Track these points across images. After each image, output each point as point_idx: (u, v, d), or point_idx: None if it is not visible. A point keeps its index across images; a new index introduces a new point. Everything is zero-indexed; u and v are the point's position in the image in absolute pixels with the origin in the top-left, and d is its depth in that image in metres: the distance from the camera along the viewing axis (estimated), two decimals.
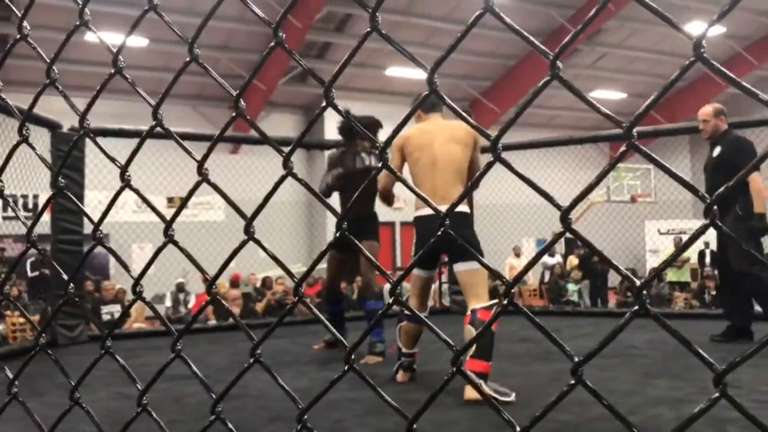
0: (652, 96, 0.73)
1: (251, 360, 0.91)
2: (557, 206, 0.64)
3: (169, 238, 0.90)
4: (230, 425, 0.91)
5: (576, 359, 0.66)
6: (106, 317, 8.75)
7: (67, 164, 5.79)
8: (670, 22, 0.60)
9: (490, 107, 16.67)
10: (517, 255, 14.19)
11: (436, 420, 2.91)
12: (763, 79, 17.10)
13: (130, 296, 5.47)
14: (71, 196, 1.09)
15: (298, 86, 15.84)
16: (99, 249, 1.10)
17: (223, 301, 0.96)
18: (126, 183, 0.95)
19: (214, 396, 0.95)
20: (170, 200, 13.85)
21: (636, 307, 0.60)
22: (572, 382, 0.68)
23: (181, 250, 0.91)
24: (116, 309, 9.22)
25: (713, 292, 11.45)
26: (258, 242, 0.83)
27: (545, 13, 14.50)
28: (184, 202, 0.93)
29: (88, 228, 6.30)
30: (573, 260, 14.03)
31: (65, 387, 1.32)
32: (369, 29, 0.68)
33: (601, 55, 16.65)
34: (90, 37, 12.69)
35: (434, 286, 9.13)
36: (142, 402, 0.98)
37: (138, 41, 12.89)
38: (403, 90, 15.77)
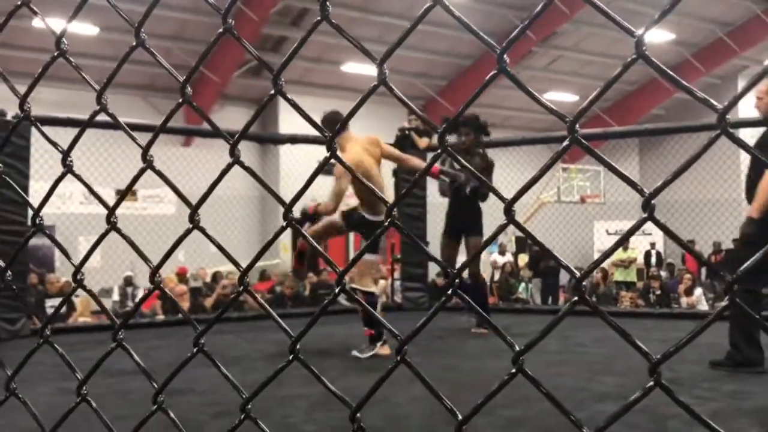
0: (603, 97, 0.74)
1: (194, 350, 0.90)
2: (502, 199, 0.65)
3: (112, 225, 0.89)
4: (172, 415, 0.90)
5: (517, 348, 0.67)
6: (50, 311, 8.54)
7: (10, 153, 5.62)
8: (612, 17, 0.61)
9: (445, 106, 16.78)
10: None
11: (389, 414, 2.92)
12: (712, 86, 17.59)
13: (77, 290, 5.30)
14: (11, 182, 1.06)
15: (253, 79, 15.69)
16: (44, 241, 1.08)
17: (167, 290, 0.95)
18: (68, 169, 0.93)
19: (155, 386, 0.93)
20: (119, 192, 13.58)
21: (575, 299, 0.61)
22: (513, 371, 0.69)
23: (124, 237, 0.90)
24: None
25: (658, 292, 11.75)
26: (203, 231, 0.82)
27: (501, 15, 14.66)
28: (128, 189, 0.92)
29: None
30: (524, 258, 14.23)
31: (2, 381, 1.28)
32: (319, 18, 0.68)
33: (556, 58, 16.91)
34: (38, 23, 12.34)
35: (387, 283, 9.19)
36: (82, 392, 0.96)
37: (88, 29, 12.59)
38: (360, 86, 15.74)
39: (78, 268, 0.97)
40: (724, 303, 0.60)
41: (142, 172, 0.89)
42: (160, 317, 8.73)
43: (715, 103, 0.57)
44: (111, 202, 0.99)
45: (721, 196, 10.93)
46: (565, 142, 0.62)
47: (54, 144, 1.00)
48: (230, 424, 0.99)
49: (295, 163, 11.61)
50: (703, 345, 4.67)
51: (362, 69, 15.60)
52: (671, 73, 0.59)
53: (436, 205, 8.34)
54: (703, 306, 10.83)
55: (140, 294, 11.82)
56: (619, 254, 13.51)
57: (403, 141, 7.91)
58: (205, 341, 0.94)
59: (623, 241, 0.66)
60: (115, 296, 11.53)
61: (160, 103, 15.13)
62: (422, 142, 8.02)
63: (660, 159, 14.37)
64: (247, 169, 0.83)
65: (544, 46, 16.07)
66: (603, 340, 5.11)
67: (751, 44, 16.02)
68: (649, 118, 17.49)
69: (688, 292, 11.41)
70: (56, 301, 8.95)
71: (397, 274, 8.88)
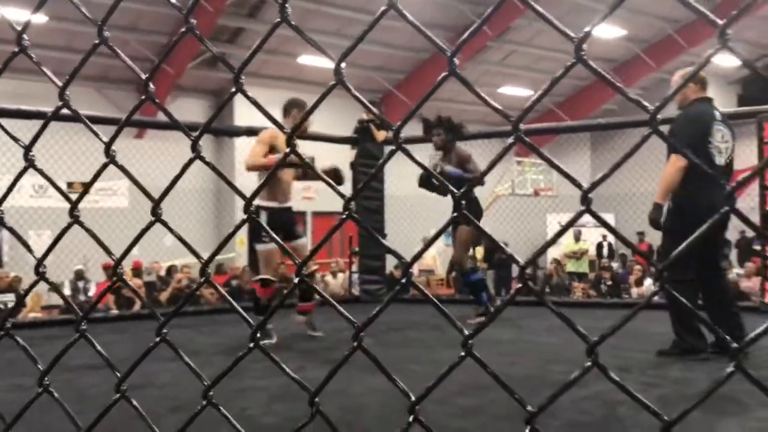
0: (555, 92, 0.78)
1: (157, 339, 0.91)
2: (451, 192, 0.68)
3: (75, 219, 0.89)
4: (135, 402, 0.92)
5: (466, 332, 0.70)
6: None
7: None
8: (551, 22, 0.65)
9: (402, 100, 16.83)
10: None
11: (346, 405, 2.96)
12: (663, 81, 17.99)
13: (25, 285, 5.28)
14: None
15: (208, 71, 15.50)
16: None
17: (129, 282, 0.96)
18: (30, 163, 0.93)
19: (118, 375, 0.95)
20: (70, 185, 13.30)
21: (519, 286, 0.65)
22: (462, 354, 0.72)
23: (87, 230, 0.91)
24: (10, 298, 8.80)
25: (609, 283, 12.03)
26: (165, 224, 0.84)
27: (457, 9, 14.75)
28: (90, 183, 0.93)
29: None
30: (479, 251, 14.40)
31: None
32: (278, 19, 0.70)
33: (510, 53, 17.10)
34: None
35: (345, 276, 9.23)
36: (44, 382, 0.97)
37: (37, 18, 12.27)
38: (315, 79, 15.69)
39: (40, 261, 0.98)
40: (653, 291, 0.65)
41: (105, 166, 0.90)
42: (114, 312, 8.61)
43: (646, 104, 0.62)
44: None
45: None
46: (510, 140, 0.66)
47: (15, 139, 1.00)
48: (188, 417, 1.01)
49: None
50: (651, 334, 4.84)
51: (318, 61, 15.54)
52: (607, 75, 0.63)
53: (394, 198, 8.40)
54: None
55: (92, 288, 11.60)
56: (571, 246, 13.78)
57: (362, 133, 7.94)
58: (165, 331, 0.95)
59: (561, 234, 0.70)
60: (67, 290, 11.30)
61: (114, 94, 14.85)
62: (380, 134, 8.06)
63: (611, 153, 14.67)
64: (208, 164, 0.84)
65: (498, 41, 16.23)
66: (554, 329, 5.23)
67: (698, 41, 16.43)
68: (601, 113, 17.81)
69: (639, 282, 11.71)
70: (5, 297, 8.75)
71: (354, 267, 8.91)
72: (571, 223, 0.67)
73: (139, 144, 13.14)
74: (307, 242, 5.03)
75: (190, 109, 15.45)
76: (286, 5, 0.73)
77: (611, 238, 17.03)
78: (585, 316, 5.67)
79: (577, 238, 13.64)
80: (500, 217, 13.34)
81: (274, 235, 0.97)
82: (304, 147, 4.80)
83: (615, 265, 13.87)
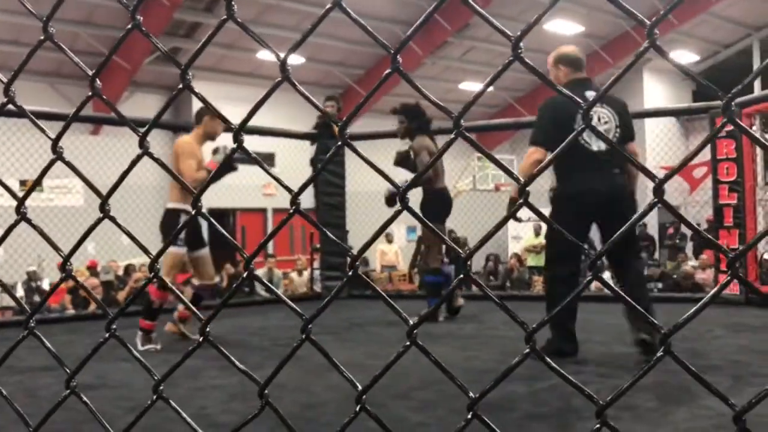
0: (516, 87, 0.80)
1: (107, 335, 0.91)
2: (395, 186, 0.69)
3: (22, 216, 0.88)
4: (84, 398, 0.91)
5: (411, 322, 0.72)
6: None
7: None
8: (490, 22, 0.66)
9: (363, 95, 16.81)
10: (389, 241, 14.51)
11: (305, 402, 2.96)
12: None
13: None
14: None
15: (164, 66, 15.28)
16: None
17: (78, 279, 0.95)
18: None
19: (68, 371, 0.94)
20: (23, 183, 12.99)
21: (461, 276, 0.67)
22: (407, 343, 0.74)
23: (34, 227, 0.90)
24: None
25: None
26: (113, 220, 0.83)
27: (416, 5, 14.79)
28: (38, 180, 0.92)
29: None
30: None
31: None
32: (225, 17, 0.71)
33: (469, 49, 17.20)
34: None
35: (307, 273, 9.19)
36: None
37: None
38: (274, 74, 15.30)
39: None
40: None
41: (52, 163, 0.90)
42: (70, 311, 8.45)
43: (580, 101, 0.64)
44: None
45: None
46: (451, 136, 0.68)
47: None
48: (144, 418, 1.00)
49: (207, 151, 11.39)
50: (608, 326, 4.93)
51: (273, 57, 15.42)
52: (546, 77, 0.65)
53: (357, 194, 8.40)
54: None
55: (46, 288, 11.37)
56: (531, 240, 13.95)
57: (322, 128, 7.92)
58: (118, 332, 0.95)
59: (501, 226, 0.72)
60: (20, 292, 11.05)
61: (69, 90, 14.54)
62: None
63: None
64: (156, 160, 0.84)
65: (458, 37, 16.32)
66: (513, 323, 5.29)
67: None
68: None
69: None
70: None
71: (316, 264, 8.89)
72: (508, 218, 0.69)
73: (95, 140, 12.90)
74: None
75: (148, 105, 15.22)
76: (233, 3, 0.73)
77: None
78: (541, 310, 5.74)
79: (537, 232, 13.81)
80: (462, 213, 13.40)
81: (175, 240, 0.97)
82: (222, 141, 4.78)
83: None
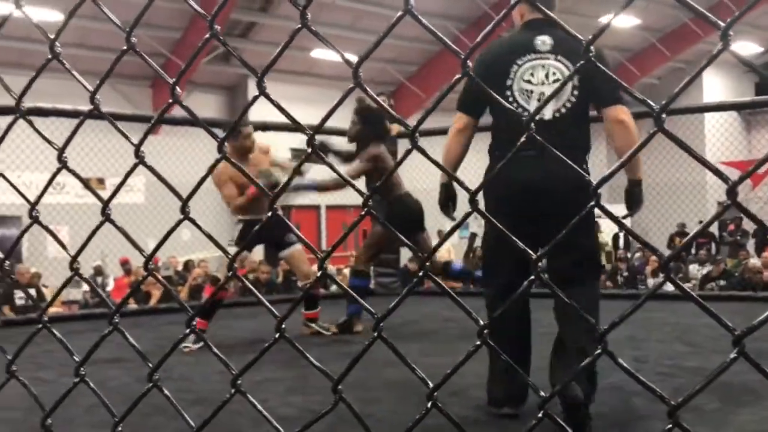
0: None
1: (186, 331, 0.95)
2: (467, 189, 0.71)
3: (106, 217, 0.93)
4: (166, 392, 0.95)
5: (481, 323, 0.73)
6: (19, 302, 8.46)
7: None
8: (562, 27, 0.67)
9: (415, 92, 16.82)
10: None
11: (363, 398, 3.00)
12: (678, 71, 17.85)
13: (44, 281, 5.33)
14: (6, 179, 1.10)
15: (222, 66, 15.56)
16: (10, 231, 1.11)
17: (159, 277, 1.00)
18: (63, 165, 0.97)
19: (150, 365, 0.98)
20: (87, 181, 13.39)
21: (420, 274, 0.68)
22: (477, 342, 0.75)
23: (119, 228, 0.94)
24: (30, 293, 8.91)
25: (625, 274, 12.01)
26: (193, 221, 0.87)
27: (469, 0, 14.71)
28: (121, 183, 0.96)
29: None
30: None
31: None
32: (299, 26, 0.73)
33: None
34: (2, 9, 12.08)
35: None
36: (80, 372, 1.01)
37: (53, 15, 12.38)
38: (328, 73, 15.72)
39: (74, 258, 1.01)
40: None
41: (134, 167, 0.94)
42: (133, 306, 8.71)
43: (652, 103, 0.64)
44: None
45: (685, 179, 11.16)
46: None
47: (49, 142, 1.04)
48: (207, 411, 1.04)
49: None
50: (666, 324, 4.84)
51: (332, 55, 15.55)
52: (614, 75, 0.65)
53: (410, 191, 8.41)
54: (669, 287, 11.09)
55: (110, 283, 11.73)
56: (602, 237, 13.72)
57: None
58: (195, 325, 0.99)
59: (450, 234, 0.73)
60: (86, 286, 11.44)
61: (129, 90, 14.94)
62: (393, 127, 8.07)
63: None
64: (234, 164, 0.88)
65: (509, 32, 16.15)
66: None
67: (713, 29, 16.18)
68: (641, 86, 17.63)
69: (655, 273, 11.67)
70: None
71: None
72: (457, 225, 0.70)
73: (155, 140, 13.22)
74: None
75: (205, 105, 15.52)
76: (306, 11, 0.76)
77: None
78: (602, 308, 5.66)
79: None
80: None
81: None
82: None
83: (637, 255, 13.78)
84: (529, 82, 2.62)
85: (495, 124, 2.74)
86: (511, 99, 2.62)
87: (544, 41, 2.64)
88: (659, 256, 0.68)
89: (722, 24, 0.60)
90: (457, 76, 0.73)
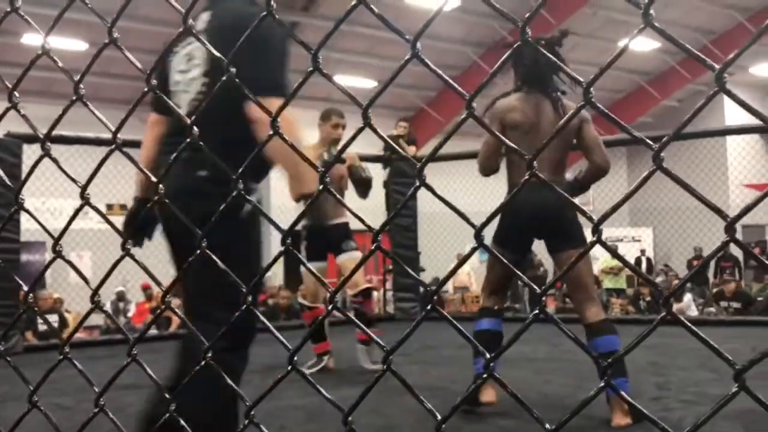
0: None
1: (203, 363, 0.97)
2: (472, 225, 0.72)
3: (126, 252, 0.96)
4: (182, 422, 0.97)
5: (488, 355, 0.74)
6: (42, 327, 8.54)
7: (7, 172, 5.67)
8: (566, 72, 0.69)
9: (434, 117, 16.90)
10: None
11: (379, 424, 2.99)
12: (698, 93, 17.77)
13: (66, 306, 5.39)
14: (30, 212, 1.13)
15: None
16: (34, 257, 1.14)
17: (177, 311, 1.02)
18: (85, 201, 1.00)
19: (168, 396, 1.00)
20: (110, 207, 13.59)
21: (536, 311, 0.69)
22: (485, 376, 0.76)
23: (138, 263, 0.97)
24: (53, 319, 9.00)
25: (648, 299, 11.87)
26: (207, 253, 0.89)
27: (487, 25, 14.81)
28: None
29: (23, 235, 6.21)
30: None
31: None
32: (311, 68, 0.76)
33: None
34: (27, 39, 12.40)
35: (379, 294, 9.23)
36: (99, 403, 1.03)
37: (77, 45, 12.64)
38: (348, 99, 15.81)
39: (95, 291, 1.04)
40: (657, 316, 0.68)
41: (154, 203, 0.97)
42: (153, 332, 8.76)
43: (650, 142, 0.65)
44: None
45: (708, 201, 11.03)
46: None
47: (73, 180, 1.07)
48: None
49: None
50: (690, 350, 4.78)
51: (352, 81, 15.69)
52: (613, 115, 0.67)
53: (428, 215, 8.43)
54: (693, 312, 10.93)
55: (132, 309, 11.81)
56: (608, 261, 13.63)
57: (394, 151, 8.00)
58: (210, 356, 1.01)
59: (463, 263, 0.74)
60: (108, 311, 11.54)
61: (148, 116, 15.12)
62: (410, 149, 8.12)
63: (647, 166, 14.42)
64: (252, 202, 0.90)
65: None
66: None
67: (734, 51, 16.24)
68: (637, 125, 17.64)
69: (678, 298, 11.53)
70: (48, 317, 8.96)
71: (388, 285, 8.94)
72: (468, 256, 0.71)
73: None
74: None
75: None
76: (318, 55, 0.78)
77: (650, 253, 16.79)
78: (623, 333, 5.61)
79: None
80: None
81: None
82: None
83: (659, 279, 13.67)
84: (175, 70, 2.15)
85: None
86: (173, 92, 2.18)
87: (206, 17, 2.10)
88: (656, 290, 0.69)
89: (716, 67, 0.61)
90: (463, 116, 0.75)
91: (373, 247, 0.80)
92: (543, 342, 5.48)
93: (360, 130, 0.80)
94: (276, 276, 13.64)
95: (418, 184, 0.74)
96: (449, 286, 14.38)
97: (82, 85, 1.03)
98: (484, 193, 8.02)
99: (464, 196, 8.50)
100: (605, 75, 0.74)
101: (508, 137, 2.85)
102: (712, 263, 12.92)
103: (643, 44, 15.42)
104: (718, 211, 0.59)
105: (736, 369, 0.58)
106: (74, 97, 0.99)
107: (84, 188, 1.02)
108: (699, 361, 4.39)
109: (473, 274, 14.69)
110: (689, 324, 0.62)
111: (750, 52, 17.09)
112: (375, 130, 0.78)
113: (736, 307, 9.43)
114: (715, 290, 10.64)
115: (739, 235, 0.68)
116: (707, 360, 4.43)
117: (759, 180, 13.14)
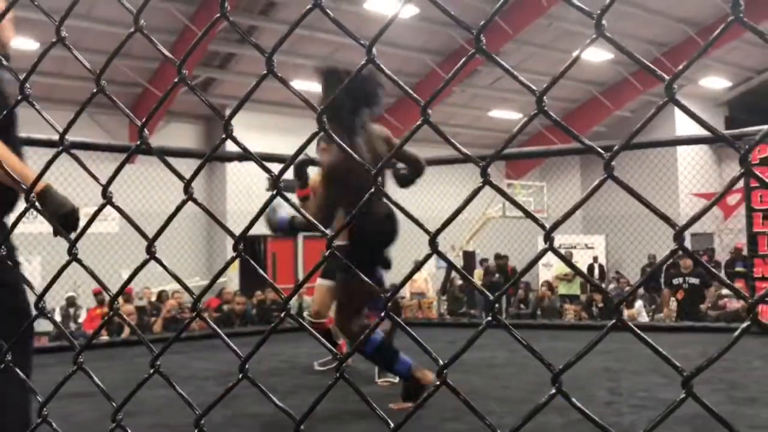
0: (541, 116, 0.83)
1: (151, 371, 0.95)
2: (426, 231, 0.72)
3: (73, 257, 0.93)
4: (129, 431, 0.95)
5: (440, 362, 0.74)
6: None
7: None
8: (515, 77, 0.69)
9: (394, 124, 16.96)
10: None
11: (336, 430, 2.98)
12: (650, 104, 18.19)
13: None
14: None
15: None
16: None
17: (125, 317, 0.99)
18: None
19: (114, 405, 0.98)
20: None
21: (489, 318, 0.69)
22: (437, 383, 0.76)
23: (85, 268, 0.94)
24: None
25: (600, 305, 12.07)
26: (159, 261, 0.87)
27: (446, 34, 14.93)
28: (88, 224, 0.96)
29: None
30: (479, 273, 14.46)
31: None
32: (266, 71, 0.75)
33: (499, 77, 17.28)
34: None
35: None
36: (43, 413, 1.00)
37: (27, 44, 12.33)
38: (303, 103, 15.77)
39: (40, 297, 1.01)
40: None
41: (102, 207, 0.94)
42: (104, 338, 8.57)
43: (601, 151, 0.66)
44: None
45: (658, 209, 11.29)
46: (479, 184, 0.71)
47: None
48: None
49: (243, 180, 11.56)
50: (642, 356, 4.86)
51: (312, 86, 15.62)
52: (570, 129, 0.68)
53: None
54: (644, 318, 11.15)
55: (82, 314, 11.55)
56: (562, 268, 13.83)
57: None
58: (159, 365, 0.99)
59: (415, 271, 0.75)
60: (57, 317, 11.25)
61: (105, 120, 14.87)
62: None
63: (600, 174, 14.73)
64: (200, 205, 0.88)
65: (488, 66, 16.41)
66: (546, 351, 5.24)
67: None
68: (591, 134, 17.99)
69: (629, 304, 11.74)
70: None
71: None
72: (423, 262, 0.71)
73: (130, 168, 13.15)
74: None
75: (182, 135, 15.50)
76: (273, 59, 0.78)
77: (602, 260, 17.12)
78: (577, 339, 5.70)
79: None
80: (492, 240, 13.38)
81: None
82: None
83: (612, 286, 13.93)
84: None
85: None
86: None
87: None
88: (606, 297, 0.69)
89: (666, 77, 0.62)
90: (418, 123, 0.75)
91: (326, 254, 0.79)
92: (502, 348, 5.53)
93: (314, 135, 0.80)
94: (231, 281, 13.50)
95: (373, 190, 0.74)
96: (406, 292, 14.41)
97: (28, 85, 1.00)
98: (441, 199, 8.06)
99: (421, 201, 8.53)
100: (559, 85, 0.75)
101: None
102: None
103: (597, 55, 15.73)
104: (666, 220, 0.60)
105: (684, 376, 0.59)
106: (19, 97, 0.96)
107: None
108: (651, 366, 4.47)
109: (430, 280, 14.76)
110: (638, 330, 0.63)
111: (700, 65, 17.57)
112: (331, 135, 0.78)
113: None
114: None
115: (688, 244, 0.69)
116: (659, 365, 4.50)
117: (708, 189, 13.51)
